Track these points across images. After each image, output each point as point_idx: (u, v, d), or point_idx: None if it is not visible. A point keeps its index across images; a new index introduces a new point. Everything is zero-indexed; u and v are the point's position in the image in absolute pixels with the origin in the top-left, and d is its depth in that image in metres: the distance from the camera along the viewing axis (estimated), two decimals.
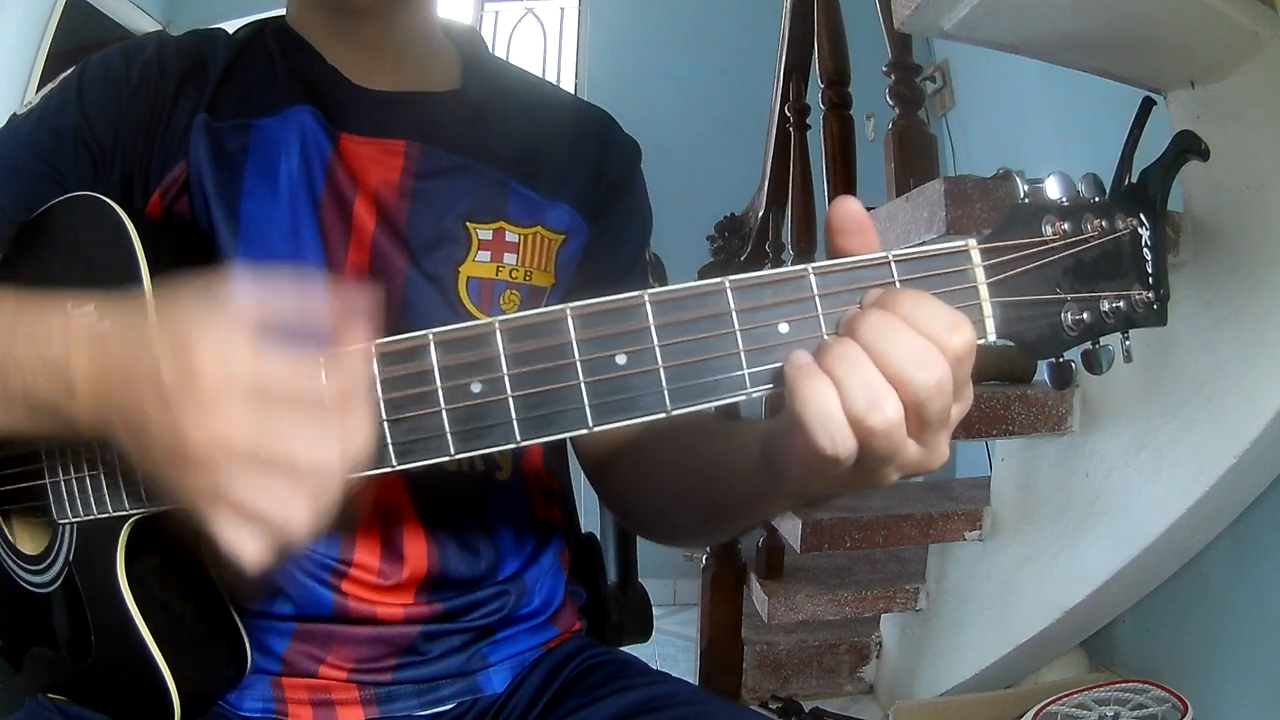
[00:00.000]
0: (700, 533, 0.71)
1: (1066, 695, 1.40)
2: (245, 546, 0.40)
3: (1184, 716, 1.30)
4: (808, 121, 2.05)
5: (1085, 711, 1.36)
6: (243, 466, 0.40)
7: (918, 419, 0.40)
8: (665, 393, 0.42)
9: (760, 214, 2.22)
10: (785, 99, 2.09)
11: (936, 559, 1.71)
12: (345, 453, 0.41)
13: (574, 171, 0.74)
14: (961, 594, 1.64)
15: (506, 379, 0.42)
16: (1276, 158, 1.07)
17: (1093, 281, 0.44)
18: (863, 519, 1.54)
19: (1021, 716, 1.39)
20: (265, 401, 0.40)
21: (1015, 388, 1.45)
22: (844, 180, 1.73)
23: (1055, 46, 1.17)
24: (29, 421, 0.49)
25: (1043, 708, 1.38)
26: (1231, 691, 1.33)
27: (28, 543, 0.63)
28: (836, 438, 0.39)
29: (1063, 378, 0.45)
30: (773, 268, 2.29)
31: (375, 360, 0.43)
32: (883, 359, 0.39)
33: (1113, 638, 1.59)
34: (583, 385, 0.42)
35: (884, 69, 1.65)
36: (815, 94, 1.85)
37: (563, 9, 3.74)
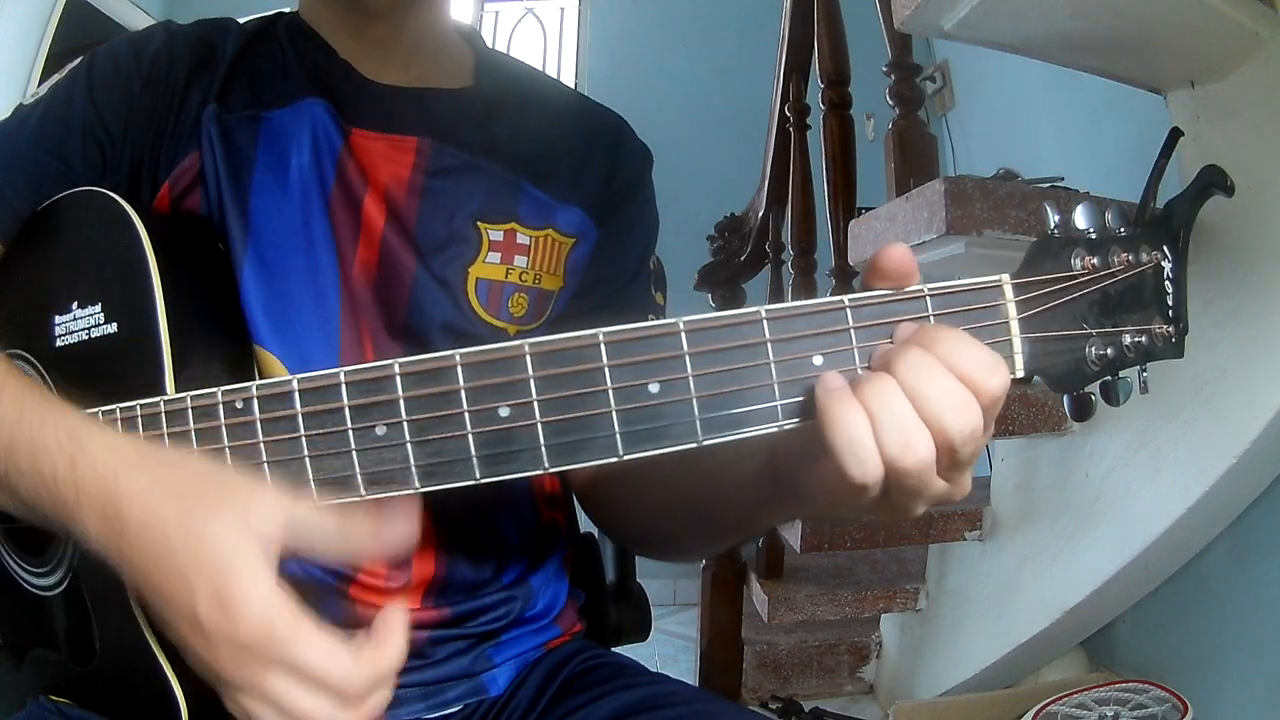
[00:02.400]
0: (699, 548, 0.71)
1: (1066, 695, 1.40)
2: None
3: (1184, 716, 1.30)
4: (808, 121, 2.05)
5: (1085, 711, 1.36)
6: (266, 703, 0.42)
7: (950, 460, 0.40)
8: (697, 422, 0.41)
9: (760, 214, 2.22)
10: (785, 99, 2.09)
11: (936, 559, 1.71)
12: None
13: (585, 174, 0.73)
14: (961, 594, 1.64)
15: (536, 404, 0.42)
16: (1276, 158, 1.07)
17: (1116, 315, 0.44)
18: (863, 519, 1.54)
19: (1021, 716, 1.39)
20: (299, 676, 0.41)
21: (1015, 388, 1.44)
22: (844, 180, 1.73)
23: (1055, 46, 1.17)
24: (42, 524, 0.49)
25: (1043, 708, 1.38)
26: (1231, 691, 1.33)
27: (31, 545, 0.63)
28: (867, 466, 0.39)
29: (1083, 410, 0.45)
30: (773, 268, 2.29)
31: (399, 379, 0.43)
32: (920, 400, 0.39)
33: (1113, 638, 1.59)
34: (614, 413, 0.42)
35: (884, 69, 1.65)
36: (815, 94, 1.86)
37: (563, 9, 3.73)
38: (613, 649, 0.80)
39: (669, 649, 2.63)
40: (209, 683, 0.43)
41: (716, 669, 1.84)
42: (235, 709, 0.43)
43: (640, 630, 0.92)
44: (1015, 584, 1.51)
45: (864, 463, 0.39)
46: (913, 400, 0.39)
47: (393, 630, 0.44)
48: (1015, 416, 1.40)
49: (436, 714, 0.67)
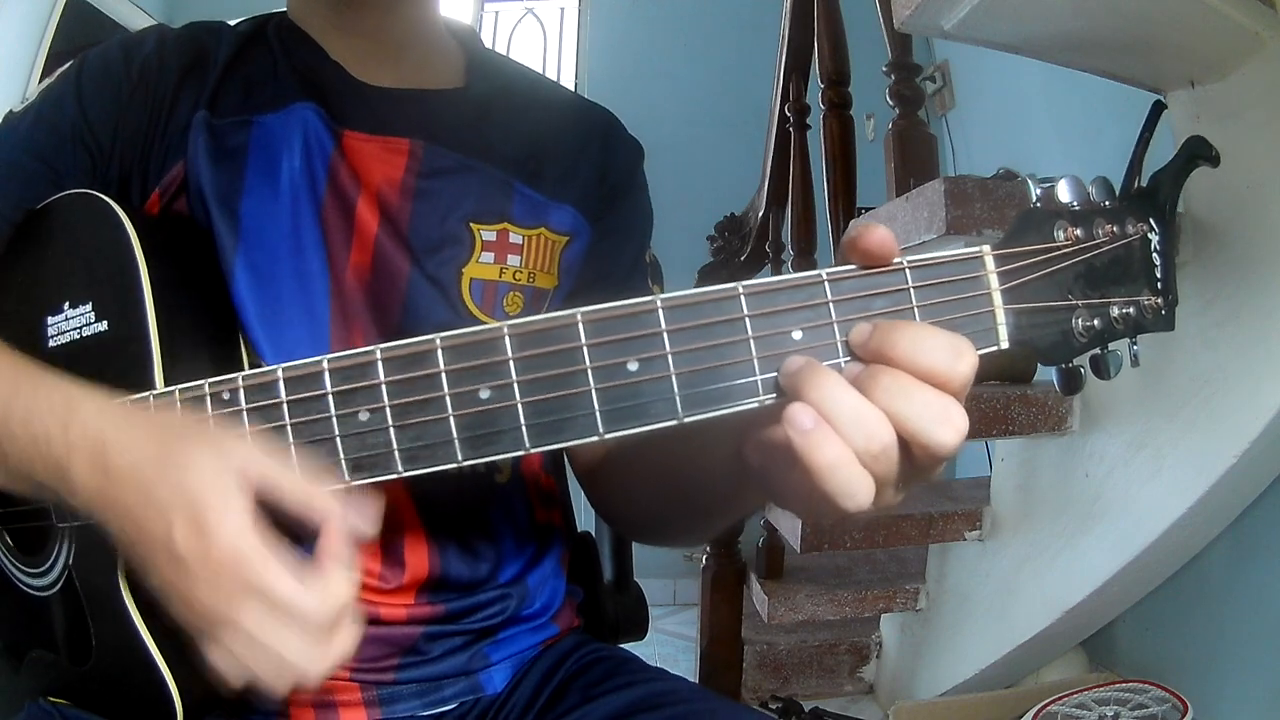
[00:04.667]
0: (688, 531, 0.72)
1: (1066, 695, 1.40)
2: (230, 675, 0.44)
3: (1184, 716, 1.30)
4: (808, 121, 2.05)
5: (1085, 711, 1.36)
6: (241, 636, 0.43)
7: (927, 459, 0.40)
8: (677, 399, 0.41)
9: (760, 214, 2.21)
10: (785, 99, 2.09)
11: (936, 559, 1.70)
12: (329, 664, 0.44)
13: (577, 172, 0.73)
14: (961, 594, 1.64)
15: (516, 385, 0.42)
16: (1276, 158, 1.07)
17: (1103, 287, 0.44)
18: (863, 519, 1.53)
19: (1021, 716, 1.39)
20: (270, 603, 0.42)
21: (1015, 388, 1.45)
22: (844, 180, 1.73)
23: (1055, 46, 1.17)
24: (31, 492, 0.50)
25: (1043, 708, 1.38)
26: (1231, 691, 1.33)
27: (27, 545, 0.63)
28: (859, 498, 0.39)
29: (1072, 384, 0.45)
30: (773, 268, 2.29)
31: (381, 365, 0.43)
32: (900, 420, 0.39)
33: (1113, 638, 1.59)
34: (593, 392, 0.42)
35: (884, 69, 1.65)
36: (815, 94, 1.86)
37: (563, 9, 3.74)
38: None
39: (669, 649, 2.63)
40: (191, 631, 0.44)
41: (716, 669, 1.84)
42: (216, 652, 0.43)
43: (638, 628, 0.92)
44: (1015, 584, 1.51)
45: (857, 498, 0.39)
46: (891, 417, 0.39)
47: (331, 562, 0.44)
48: (1015, 416, 1.40)
49: (432, 711, 0.67)
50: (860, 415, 0.39)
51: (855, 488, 0.39)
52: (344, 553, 0.44)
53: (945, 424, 0.39)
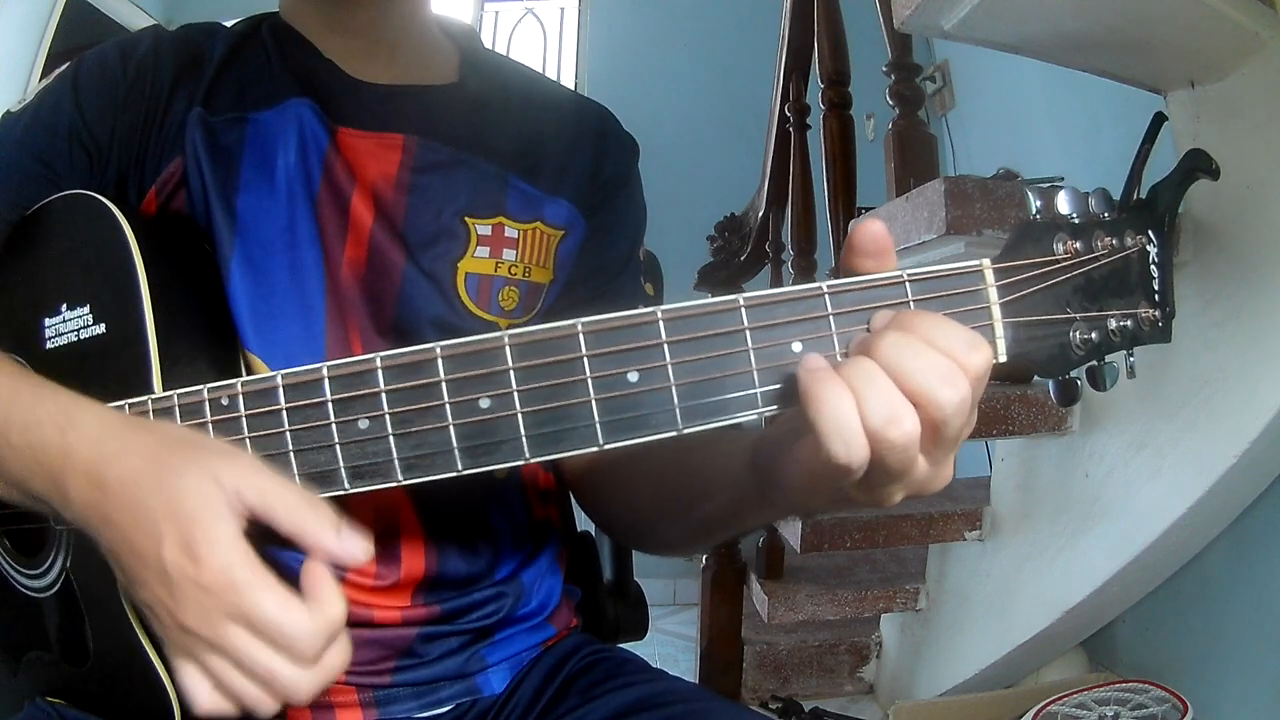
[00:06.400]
0: (686, 543, 0.72)
1: (1066, 695, 1.40)
2: (198, 698, 0.44)
3: (1184, 716, 1.30)
4: (808, 121, 2.05)
5: (1085, 711, 1.36)
6: (225, 656, 0.43)
7: (935, 436, 0.40)
8: (677, 411, 0.42)
9: (760, 214, 2.21)
10: (785, 99, 2.09)
11: (936, 559, 1.71)
12: (318, 683, 0.44)
13: (572, 167, 0.74)
14: (961, 594, 1.64)
15: (516, 395, 0.42)
16: (1276, 158, 1.07)
17: (1101, 300, 0.44)
18: (863, 519, 1.54)
19: (1021, 716, 1.39)
20: (258, 627, 0.42)
21: (1015, 388, 1.45)
22: (844, 180, 1.73)
23: (1055, 46, 1.17)
24: (26, 503, 0.50)
25: (1043, 708, 1.38)
26: (1231, 691, 1.33)
27: (25, 547, 0.63)
28: (851, 445, 0.38)
29: (1069, 395, 0.45)
30: (773, 268, 2.28)
31: (381, 373, 0.43)
32: (905, 377, 0.38)
33: (1113, 638, 1.59)
34: (594, 402, 0.42)
35: (884, 69, 1.65)
36: (815, 94, 1.85)
37: (563, 9, 3.73)
38: None
39: (669, 649, 2.63)
40: (173, 648, 0.44)
41: (716, 669, 1.84)
42: (191, 672, 0.43)
43: (637, 629, 0.92)
44: (1015, 584, 1.51)
45: (849, 442, 0.38)
46: (897, 377, 0.39)
47: (321, 585, 0.44)
48: (1015, 416, 1.40)
49: (429, 713, 0.67)
50: (870, 370, 0.39)
51: (850, 432, 0.38)
52: (326, 582, 0.44)
53: (949, 386, 0.38)
